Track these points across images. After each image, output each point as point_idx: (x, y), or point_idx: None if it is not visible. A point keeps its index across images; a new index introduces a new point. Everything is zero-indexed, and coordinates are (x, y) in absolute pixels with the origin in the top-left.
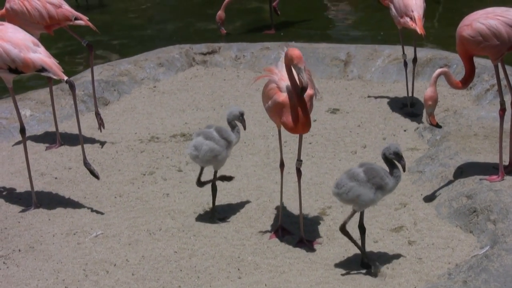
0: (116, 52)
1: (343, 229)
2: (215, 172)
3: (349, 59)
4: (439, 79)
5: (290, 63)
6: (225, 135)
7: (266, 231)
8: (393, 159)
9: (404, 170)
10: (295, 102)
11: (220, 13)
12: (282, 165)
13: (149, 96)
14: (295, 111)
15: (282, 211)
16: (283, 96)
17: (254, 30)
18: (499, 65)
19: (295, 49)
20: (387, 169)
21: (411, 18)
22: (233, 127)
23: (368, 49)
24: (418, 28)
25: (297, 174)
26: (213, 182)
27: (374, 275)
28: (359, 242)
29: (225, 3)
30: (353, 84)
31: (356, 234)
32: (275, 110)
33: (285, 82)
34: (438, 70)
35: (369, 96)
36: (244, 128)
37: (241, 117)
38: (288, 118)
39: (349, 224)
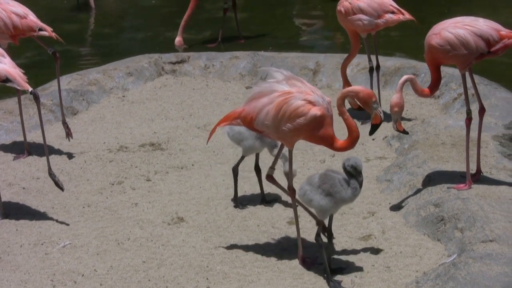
0: (85, 62)
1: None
2: (242, 157)
3: (318, 68)
4: (406, 88)
5: (367, 103)
6: None
7: (234, 241)
8: (350, 172)
9: (360, 187)
10: (347, 119)
11: (179, 40)
12: (292, 189)
13: (118, 105)
14: (351, 127)
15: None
16: (322, 109)
17: (223, 40)
18: (467, 74)
19: (363, 89)
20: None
21: (393, 12)
22: None
23: (337, 58)
24: (407, 15)
25: (269, 180)
26: (234, 166)
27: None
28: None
29: (181, 28)
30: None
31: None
32: (311, 126)
33: (313, 96)
34: (405, 77)
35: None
36: None
37: None
38: (330, 131)
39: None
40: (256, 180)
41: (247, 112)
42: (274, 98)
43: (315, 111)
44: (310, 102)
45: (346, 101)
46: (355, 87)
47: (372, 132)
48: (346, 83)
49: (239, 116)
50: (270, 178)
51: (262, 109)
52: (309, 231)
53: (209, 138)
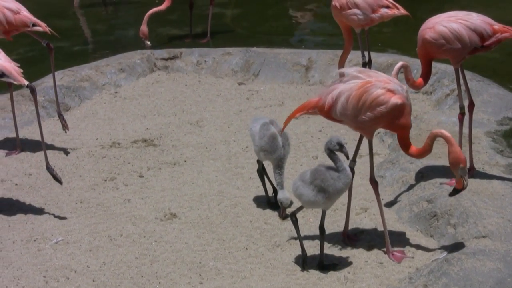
0: (77, 58)
1: (321, 228)
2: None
3: (310, 64)
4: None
5: (455, 166)
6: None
7: (227, 237)
8: (337, 150)
9: (347, 158)
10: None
11: (143, 28)
12: (374, 181)
13: (110, 101)
14: (429, 149)
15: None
16: (402, 97)
17: (215, 35)
18: (459, 69)
19: (458, 151)
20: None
21: (388, 7)
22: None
23: (329, 54)
24: (402, 9)
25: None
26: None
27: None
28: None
29: (145, 18)
30: (314, 89)
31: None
32: (392, 115)
33: (392, 84)
34: (400, 63)
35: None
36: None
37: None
38: (409, 120)
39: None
40: (249, 177)
41: (325, 101)
42: (353, 87)
43: (396, 99)
44: (390, 91)
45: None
46: (453, 145)
47: (452, 194)
48: None
49: (316, 106)
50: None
51: (340, 99)
52: (302, 227)
53: (282, 129)
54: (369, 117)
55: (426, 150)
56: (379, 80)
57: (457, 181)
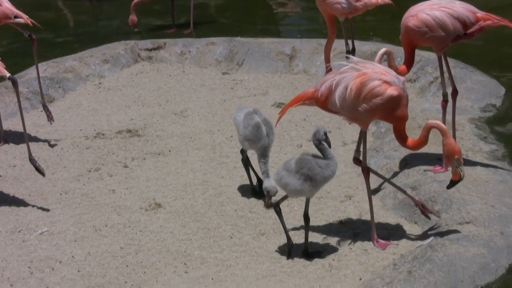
0: (61, 49)
1: (306, 216)
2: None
3: (294, 54)
4: None
5: (450, 158)
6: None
7: (212, 226)
8: (324, 141)
9: (329, 147)
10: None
11: (132, 18)
12: (366, 170)
13: (94, 92)
14: (424, 141)
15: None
16: (398, 89)
17: (199, 26)
18: (442, 57)
19: (452, 143)
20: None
21: None
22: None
23: (313, 43)
24: None
25: None
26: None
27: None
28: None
29: (132, 7)
30: (298, 78)
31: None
32: (388, 106)
33: (388, 76)
34: (383, 49)
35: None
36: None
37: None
38: (405, 111)
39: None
40: (233, 166)
41: (321, 93)
42: (349, 79)
43: (392, 91)
44: (386, 82)
45: None
46: (448, 137)
47: (450, 186)
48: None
49: (312, 97)
50: None
51: (337, 90)
52: (287, 215)
53: (278, 120)
54: (365, 109)
55: (422, 142)
56: (376, 71)
57: (454, 173)
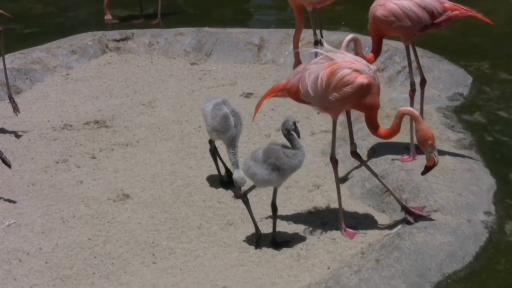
0: (28, 40)
1: (273, 206)
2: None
3: (262, 44)
4: None
5: (424, 144)
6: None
7: (180, 216)
8: (293, 131)
9: (299, 137)
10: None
11: (107, 18)
12: (334, 159)
13: (62, 83)
14: (397, 128)
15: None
16: (368, 77)
17: (167, 16)
18: (410, 46)
19: (425, 129)
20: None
21: None
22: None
23: (281, 33)
24: None
25: None
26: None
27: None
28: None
29: (105, 6)
30: (266, 68)
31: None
32: (358, 94)
33: (358, 64)
34: (350, 36)
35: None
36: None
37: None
38: (376, 100)
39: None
40: (202, 156)
41: (293, 84)
42: (319, 69)
43: (362, 79)
44: (356, 71)
45: None
46: (421, 123)
47: (425, 172)
48: (298, 63)
49: (284, 88)
50: None
51: (308, 81)
52: (255, 205)
53: (255, 114)
54: (336, 98)
55: (395, 130)
56: (346, 60)
57: (428, 159)
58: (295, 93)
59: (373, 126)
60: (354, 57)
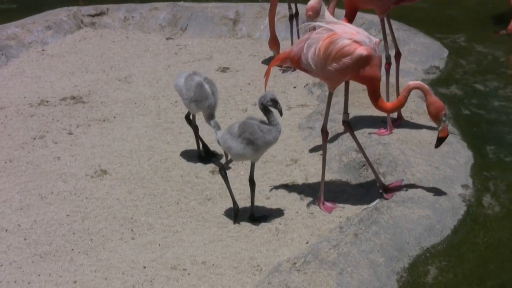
0: (2, 16)
1: (251, 180)
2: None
3: (238, 18)
4: None
5: (437, 116)
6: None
7: (158, 192)
8: (270, 106)
9: (281, 115)
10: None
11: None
12: (325, 131)
13: (37, 59)
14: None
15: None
16: (368, 49)
17: None
18: (385, 20)
19: (437, 101)
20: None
21: None
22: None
23: (256, 7)
24: None
25: None
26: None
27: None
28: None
29: None
30: (242, 42)
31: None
32: (357, 66)
33: (359, 35)
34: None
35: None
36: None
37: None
38: (377, 72)
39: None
40: (179, 131)
41: (295, 52)
42: (320, 38)
43: (362, 50)
44: (356, 42)
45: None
46: (431, 96)
47: (438, 145)
48: (274, 37)
49: (288, 57)
50: None
51: (309, 50)
52: (233, 180)
53: (265, 83)
54: (335, 68)
55: (401, 103)
56: (346, 31)
57: (442, 130)
58: (297, 62)
59: (374, 98)
60: (356, 28)
